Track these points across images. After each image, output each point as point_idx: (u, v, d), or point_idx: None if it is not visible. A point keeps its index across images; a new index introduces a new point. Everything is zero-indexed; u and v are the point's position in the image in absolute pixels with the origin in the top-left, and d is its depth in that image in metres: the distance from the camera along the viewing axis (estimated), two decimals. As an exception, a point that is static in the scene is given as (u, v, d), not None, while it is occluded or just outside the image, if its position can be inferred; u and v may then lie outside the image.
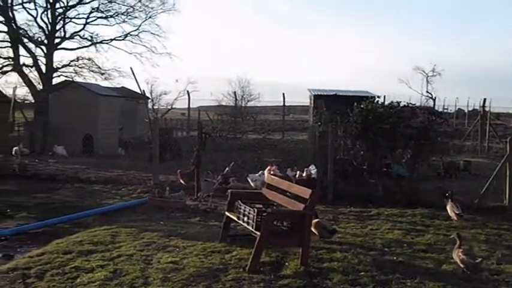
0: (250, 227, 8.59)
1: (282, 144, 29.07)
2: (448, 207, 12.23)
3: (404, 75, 48.34)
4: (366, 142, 15.86)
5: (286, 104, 37.53)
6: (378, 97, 20.38)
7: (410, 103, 17.37)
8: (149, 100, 34.33)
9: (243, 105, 35.22)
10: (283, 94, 35.98)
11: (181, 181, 16.16)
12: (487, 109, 36.07)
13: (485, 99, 34.84)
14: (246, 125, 34.80)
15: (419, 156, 16.31)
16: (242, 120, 34.05)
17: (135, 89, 29.48)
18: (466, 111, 53.13)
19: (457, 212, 11.85)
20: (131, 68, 28.75)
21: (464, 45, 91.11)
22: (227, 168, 16.95)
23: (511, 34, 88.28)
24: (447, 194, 12.64)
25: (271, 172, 15.56)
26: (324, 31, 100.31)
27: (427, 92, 48.99)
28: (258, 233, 8.16)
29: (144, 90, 31.46)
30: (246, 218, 8.79)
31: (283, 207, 9.21)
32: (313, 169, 16.23)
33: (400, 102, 16.79)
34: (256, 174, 15.87)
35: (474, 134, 34.00)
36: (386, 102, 18.71)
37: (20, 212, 13.09)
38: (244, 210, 8.88)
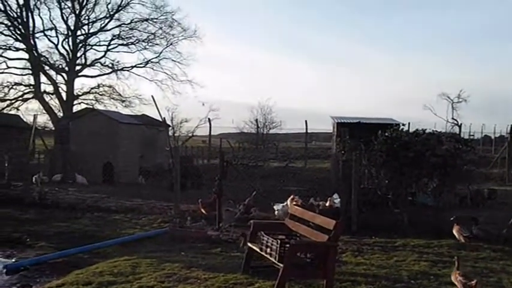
0: (273, 259, 8.55)
1: (305, 172, 29.02)
2: (455, 231, 12.55)
3: (429, 101, 48.38)
4: (390, 171, 15.76)
5: (308, 131, 37.51)
6: (403, 125, 20.30)
7: (436, 130, 17.29)
8: (170, 127, 34.46)
9: (264, 132, 35.19)
10: (306, 121, 36.04)
11: (203, 211, 16.17)
12: (515, 134, 35.69)
13: (512, 126, 34.54)
14: (268, 153, 34.81)
15: (445, 185, 16.18)
16: (264, 148, 34.06)
17: (156, 116, 29.68)
18: (492, 137, 52.65)
19: (465, 235, 12.20)
20: (152, 96, 29.04)
21: (490, 71, 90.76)
22: (249, 198, 16.93)
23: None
24: (452, 219, 13.09)
25: (294, 202, 15.51)
26: (346, 58, 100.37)
27: (453, 118, 48.60)
28: (281, 265, 8.13)
29: (164, 118, 31.60)
30: (268, 249, 8.76)
31: (306, 238, 9.17)
32: (336, 198, 16.17)
33: (426, 129, 16.72)
34: (281, 205, 15.83)
35: (501, 161, 33.63)
36: (411, 130, 18.63)
37: (40, 242, 13.18)
38: (267, 241, 8.86)
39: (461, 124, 41.87)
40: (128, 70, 39.37)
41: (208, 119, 35.24)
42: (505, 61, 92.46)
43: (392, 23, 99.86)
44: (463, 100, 51.45)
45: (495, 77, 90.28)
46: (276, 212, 15.29)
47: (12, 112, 36.00)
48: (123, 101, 38.88)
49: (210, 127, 35.49)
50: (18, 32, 36.74)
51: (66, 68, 37.32)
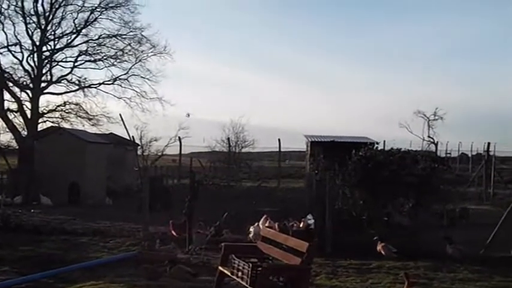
0: (244, 283, 8.55)
1: (278, 192, 29.07)
2: (379, 248, 13.17)
3: (405, 119, 48.85)
4: (365, 191, 15.91)
5: (282, 149, 37.58)
6: (377, 143, 20.56)
7: (411, 149, 17.50)
8: (139, 147, 34.35)
9: (236, 151, 35.22)
10: (279, 140, 36.14)
11: (173, 233, 16.11)
12: (491, 153, 36.16)
13: (489, 144, 34.99)
14: (240, 172, 34.83)
15: (421, 205, 16.35)
16: (236, 167, 34.08)
17: (124, 135, 29.61)
18: (469, 155, 53.30)
19: (394, 251, 12.86)
20: (120, 115, 28.98)
21: (467, 88, 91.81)
22: (220, 220, 16.90)
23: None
24: (375, 238, 13.65)
25: (267, 224, 15.51)
26: (319, 76, 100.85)
27: (429, 136, 49.12)
28: (253, 289, 8.13)
29: (133, 137, 31.51)
30: (240, 273, 8.76)
31: (279, 261, 9.19)
32: (310, 219, 16.19)
33: (401, 148, 16.91)
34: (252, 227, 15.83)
35: (478, 180, 34.04)
36: (386, 148, 18.83)
37: (3, 266, 12.99)
38: (239, 265, 8.86)
39: (437, 142, 42.41)
40: (95, 87, 39.08)
41: (179, 137, 35.25)
42: (481, 78, 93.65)
43: (365, 40, 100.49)
44: (439, 118, 52.06)
45: (472, 95, 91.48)
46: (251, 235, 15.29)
47: (-27, 131, 35.63)
48: (90, 119, 38.52)
49: (181, 146, 35.47)
50: (-20, 48, 36.48)
51: (31, 85, 36.96)
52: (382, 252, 12.96)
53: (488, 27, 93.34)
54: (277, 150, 37.20)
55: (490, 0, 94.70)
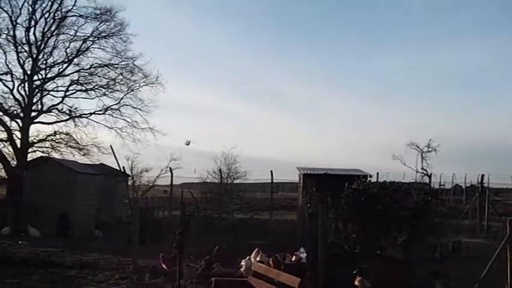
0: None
1: (270, 224, 28.99)
2: (356, 282, 13.04)
3: (398, 150, 48.84)
4: (358, 224, 15.87)
5: (274, 181, 37.50)
6: (370, 176, 20.57)
7: (405, 182, 17.52)
8: (129, 177, 34.23)
9: (228, 182, 35.09)
10: (271, 171, 36.11)
11: (164, 266, 16.03)
12: (485, 185, 36.24)
13: (483, 175, 35.08)
14: (232, 204, 34.70)
15: (415, 238, 16.31)
16: (228, 199, 33.96)
17: (115, 165, 29.55)
18: (463, 187, 53.36)
19: (369, 286, 12.75)
20: (111, 146, 28.95)
21: (461, 120, 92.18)
22: (211, 253, 16.83)
23: (507, 109, 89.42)
24: (354, 272, 13.48)
25: (259, 258, 15.45)
26: (314, 107, 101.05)
27: (422, 168, 49.22)
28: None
29: (124, 167, 31.45)
30: (230, 310, 8.72)
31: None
32: (303, 253, 16.15)
33: (394, 181, 16.93)
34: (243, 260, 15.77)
35: (472, 212, 34.05)
36: (380, 180, 18.85)
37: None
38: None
39: (431, 174, 42.46)
40: (86, 117, 39.10)
41: (170, 168, 35.09)
42: (475, 110, 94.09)
43: (359, 71, 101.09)
44: (433, 149, 52.13)
45: (465, 126, 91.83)
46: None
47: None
48: (80, 150, 38.45)
49: (172, 177, 35.28)
50: (-29, 77, 36.59)
51: (21, 114, 36.99)
52: (358, 287, 12.95)
53: (481, 59, 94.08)
54: (270, 181, 37.18)
55: (483, 31, 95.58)
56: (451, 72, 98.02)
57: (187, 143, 39.91)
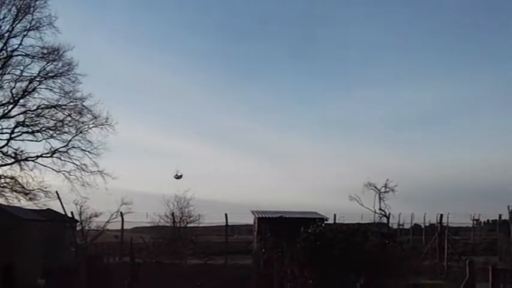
0: None
1: (225, 270, 28.65)
2: None
3: (356, 191, 48.91)
4: (314, 270, 15.76)
5: (230, 223, 37.27)
6: (326, 219, 20.56)
7: (363, 223, 17.52)
8: (78, 223, 33.65)
9: (182, 226, 34.72)
10: (226, 214, 35.89)
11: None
12: (444, 224, 36.61)
13: (442, 215, 35.44)
14: (186, 249, 34.30)
15: (374, 282, 16.25)
16: (181, 244, 33.56)
17: (63, 210, 29.04)
18: (422, 226, 53.81)
19: None
20: (57, 192, 28.51)
21: (418, 159, 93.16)
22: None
23: (466, 148, 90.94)
24: None
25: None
26: (269, 147, 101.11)
27: (380, 209, 49.47)
28: None
29: (72, 213, 30.90)
30: None
31: None
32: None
33: (350, 224, 16.93)
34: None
35: (432, 252, 34.26)
36: (337, 221, 18.85)
37: None
38: None
39: (389, 214, 42.62)
40: (32, 160, 38.38)
41: (121, 213, 34.61)
42: (432, 149, 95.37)
43: (312, 110, 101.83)
44: (390, 190, 52.49)
45: (423, 165, 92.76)
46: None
47: None
48: (26, 194, 37.63)
49: (123, 222, 34.82)
50: None
51: (-36, 158, 36.33)
52: None
53: (437, 98, 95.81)
54: (225, 224, 36.93)
55: (439, 70, 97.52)
56: (407, 111, 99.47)
57: (179, 177, 39.41)
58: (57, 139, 39.24)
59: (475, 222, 60.43)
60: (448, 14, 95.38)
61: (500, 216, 46.30)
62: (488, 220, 63.19)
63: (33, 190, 37.84)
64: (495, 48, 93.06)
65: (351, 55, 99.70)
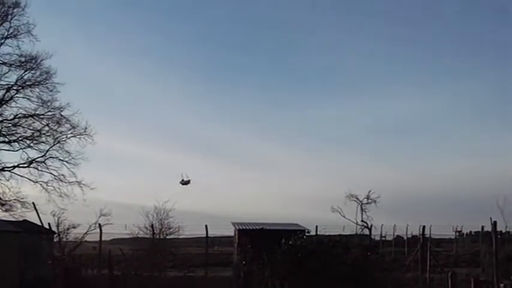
0: None
1: (205, 282, 28.53)
2: None
3: (337, 202, 48.85)
4: (295, 282, 15.72)
5: (210, 235, 37.15)
6: (308, 232, 20.50)
7: (345, 235, 17.52)
8: (55, 235, 33.36)
9: (161, 237, 34.54)
10: (206, 226, 35.80)
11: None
12: (427, 236, 36.74)
13: (424, 226, 35.55)
14: (165, 261, 34.12)
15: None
16: (161, 256, 33.39)
17: (39, 222, 28.77)
18: (405, 238, 54.02)
19: None
20: (33, 203, 28.26)
21: (400, 171, 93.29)
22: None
23: (448, 159, 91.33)
24: None
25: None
26: (250, 157, 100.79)
27: (362, 220, 49.59)
28: None
29: (49, 224, 30.65)
30: None
31: None
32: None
33: (331, 236, 16.92)
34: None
35: (415, 264, 34.31)
36: (319, 233, 18.83)
37: None
38: None
39: (371, 226, 42.73)
40: (9, 170, 38.11)
41: (99, 224, 34.39)
42: (415, 160, 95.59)
43: (294, 118, 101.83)
44: (373, 201, 52.66)
45: (405, 177, 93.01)
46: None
47: None
48: (2, 205, 37.36)
49: (101, 233, 34.61)
50: None
51: None
52: None
53: (420, 108, 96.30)
54: (205, 236, 36.81)
55: (421, 80, 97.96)
56: (390, 121, 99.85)
57: (186, 182, 39.03)
58: (35, 149, 39.00)
59: (457, 233, 60.86)
60: (433, 23, 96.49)
61: (482, 227, 46.55)
62: (470, 231, 63.69)
63: (9, 201, 37.59)
64: (478, 59, 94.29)
65: (333, 64, 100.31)
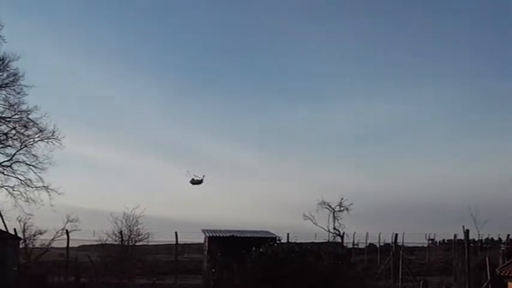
0: None
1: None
2: None
3: (309, 209, 48.83)
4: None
5: (180, 242, 36.96)
6: (279, 239, 20.51)
7: (317, 242, 17.56)
8: (21, 241, 33.01)
9: (130, 244, 34.32)
10: (176, 233, 35.64)
11: None
12: (399, 244, 36.94)
13: (396, 234, 35.74)
14: (134, 268, 33.93)
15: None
16: (129, 263, 33.18)
17: (4, 227, 28.50)
18: (377, 246, 54.26)
19: None
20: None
21: (373, 178, 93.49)
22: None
23: (421, 167, 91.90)
24: None
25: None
26: (221, 163, 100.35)
27: (335, 228, 49.77)
28: None
29: (15, 230, 30.34)
30: None
31: None
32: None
33: (303, 243, 16.94)
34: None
35: (387, 272, 34.47)
36: (290, 240, 18.86)
37: None
38: None
39: (343, 234, 42.91)
40: (-27, 175, 37.74)
41: (66, 230, 34.12)
42: (388, 168, 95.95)
43: (268, 123, 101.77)
44: (345, 209, 52.86)
45: (378, 185, 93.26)
46: None
47: None
48: (-33, 211, 36.97)
49: (68, 240, 34.32)
50: None
51: None
52: None
53: (393, 115, 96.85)
54: (175, 243, 36.64)
55: (395, 86, 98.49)
56: (362, 128, 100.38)
57: (197, 181, 38.37)
58: (1, 153, 38.55)
59: (430, 242, 61.25)
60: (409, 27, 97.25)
61: (455, 236, 46.87)
62: (443, 240, 64.12)
63: (-26, 204, 37.14)
64: (458, 65, 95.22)
65: (307, 68, 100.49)
